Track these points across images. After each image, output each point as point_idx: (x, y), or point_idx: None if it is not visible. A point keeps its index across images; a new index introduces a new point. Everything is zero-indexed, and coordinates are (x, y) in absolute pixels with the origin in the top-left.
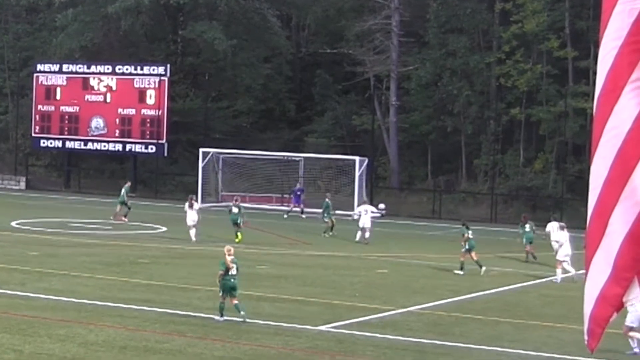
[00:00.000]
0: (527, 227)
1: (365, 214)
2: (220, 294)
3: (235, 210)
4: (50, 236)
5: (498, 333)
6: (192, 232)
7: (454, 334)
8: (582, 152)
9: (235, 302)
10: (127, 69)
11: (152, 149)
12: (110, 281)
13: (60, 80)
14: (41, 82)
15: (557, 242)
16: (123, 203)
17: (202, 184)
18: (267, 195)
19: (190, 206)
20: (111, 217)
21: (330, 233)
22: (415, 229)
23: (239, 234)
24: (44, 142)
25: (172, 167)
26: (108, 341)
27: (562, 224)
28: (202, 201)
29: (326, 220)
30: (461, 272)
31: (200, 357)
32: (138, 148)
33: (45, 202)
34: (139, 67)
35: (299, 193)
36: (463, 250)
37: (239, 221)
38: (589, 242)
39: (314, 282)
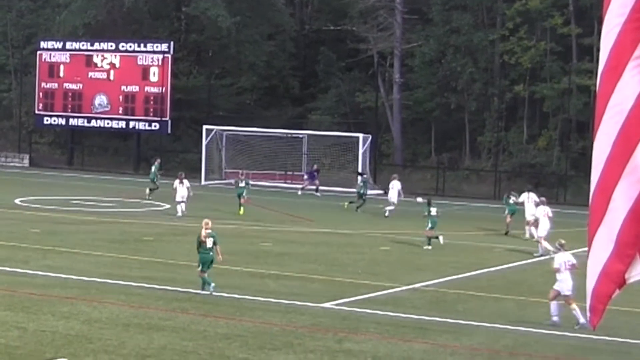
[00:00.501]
0: (512, 200)
1: (392, 189)
2: (199, 268)
3: (242, 184)
4: (54, 214)
5: (501, 310)
6: (180, 207)
7: (457, 311)
8: (586, 129)
9: (204, 275)
10: (130, 46)
11: (155, 126)
12: (113, 258)
13: (64, 57)
14: (44, 59)
15: (533, 215)
16: (153, 181)
17: (206, 161)
18: (271, 172)
19: (181, 182)
20: (148, 198)
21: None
22: (418, 206)
23: (242, 208)
24: (47, 120)
25: (176, 145)
26: (111, 318)
27: (543, 198)
28: (206, 178)
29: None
30: (429, 247)
31: (203, 334)
32: (141, 125)
33: (48, 179)
34: (142, 44)
35: (315, 174)
36: (427, 228)
37: (244, 194)
38: (592, 219)
39: (317, 260)
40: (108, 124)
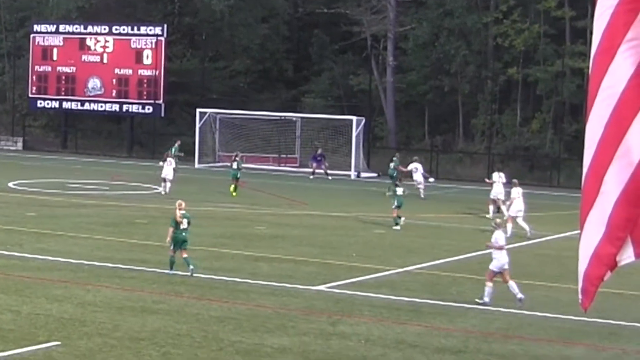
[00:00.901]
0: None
1: (415, 171)
2: (171, 247)
3: (234, 165)
4: (48, 197)
5: (494, 293)
6: (164, 185)
7: (451, 293)
8: (579, 112)
9: (185, 255)
10: (124, 29)
11: (149, 109)
12: (107, 242)
13: (57, 40)
14: (38, 42)
15: (501, 194)
16: (235, 177)
17: (199, 145)
18: (264, 155)
19: (165, 161)
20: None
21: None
22: (412, 189)
23: (235, 188)
24: (40, 103)
25: (169, 128)
26: (105, 301)
27: (515, 180)
28: (199, 161)
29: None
30: (397, 228)
31: (197, 318)
32: (135, 108)
33: (42, 162)
34: (135, 28)
35: (319, 158)
36: (393, 207)
37: (238, 176)
38: (584, 202)
39: (311, 243)
40: (101, 107)
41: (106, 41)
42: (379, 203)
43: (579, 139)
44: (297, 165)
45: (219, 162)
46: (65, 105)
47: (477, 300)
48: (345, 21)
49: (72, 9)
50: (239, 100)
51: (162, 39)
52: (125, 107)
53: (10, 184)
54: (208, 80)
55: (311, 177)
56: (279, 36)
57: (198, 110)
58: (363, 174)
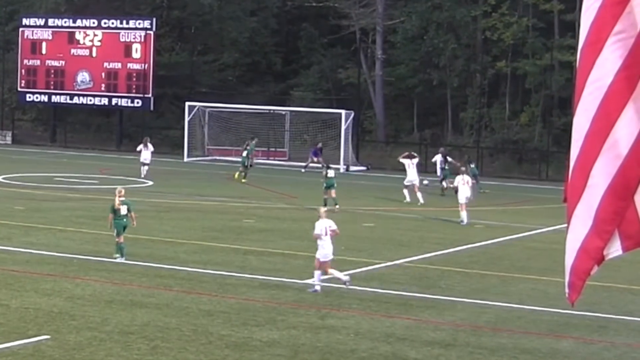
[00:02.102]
0: (472, 165)
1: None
2: (115, 234)
3: (244, 153)
4: (37, 191)
5: (483, 286)
6: (144, 169)
7: (440, 287)
8: (568, 105)
9: (121, 241)
10: (112, 23)
11: (138, 103)
12: (96, 235)
13: (46, 34)
14: (27, 36)
15: (413, 180)
16: (244, 165)
17: (188, 138)
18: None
19: (145, 146)
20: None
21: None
22: (401, 182)
23: (241, 175)
24: (29, 97)
25: (158, 121)
26: (94, 295)
27: (463, 168)
28: (189, 155)
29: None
30: (324, 208)
31: (186, 311)
32: (124, 102)
33: (31, 156)
34: (124, 21)
35: (318, 152)
36: (323, 188)
37: (246, 163)
38: (571, 195)
39: (300, 236)
40: (91, 100)
41: (95, 35)
42: (367, 197)
43: (567, 132)
44: (286, 158)
45: (207, 155)
46: (55, 99)
47: (309, 290)
48: (334, 14)
49: (61, 2)
50: (227, 93)
51: (151, 32)
52: (114, 101)
53: (0, 178)
54: (197, 74)
55: (303, 170)
56: (268, 29)
57: (187, 103)
58: (352, 168)
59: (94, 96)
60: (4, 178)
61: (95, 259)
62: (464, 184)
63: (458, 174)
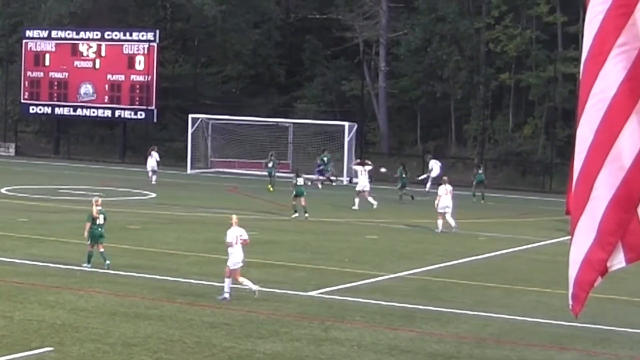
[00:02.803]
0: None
1: (361, 174)
2: (89, 242)
3: (270, 164)
4: (40, 202)
5: (486, 298)
6: (151, 177)
7: (443, 299)
8: (572, 117)
9: (101, 250)
10: (116, 35)
11: (141, 115)
12: None
13: (49, 46)
14: (30, 48)
15: (364, 186)
16: (270, 174)
17: (192, 150)
18: (257, 161)
19: (150, 155)
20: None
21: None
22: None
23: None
24: (33, 109)
25: (162, 133)
26: (98, 307)
27: (445, 177)
28: (192, 167)
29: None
30: (295, 215)
31: (190, 323)
32: (127, 114)
33: (34, 168)
34: (128, 33)
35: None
36: (292, 196)
37: (273, 173)
38: (574, 207)
39: (303, 248)
40: (94, 112)
41: (98, 47)
42: (370, 209)
43: (571, 144)
44: (289, 170)
45: (211, 167)
46: (58, 110)
47: (217, 298)
48: (338, 27)
49: (65, 14)
50: (231, 105)
51: (155, 44)
52: (117, 113)
53: (3, 190)
54: (200, 86)
55: (320, 186)
56: (271, 41)
57: (190, 115)
58: (355, 180)
59: (97, 108)
60: (7, 190)
61: (98, 270)
62: (446, 194)
63: (440, 184)
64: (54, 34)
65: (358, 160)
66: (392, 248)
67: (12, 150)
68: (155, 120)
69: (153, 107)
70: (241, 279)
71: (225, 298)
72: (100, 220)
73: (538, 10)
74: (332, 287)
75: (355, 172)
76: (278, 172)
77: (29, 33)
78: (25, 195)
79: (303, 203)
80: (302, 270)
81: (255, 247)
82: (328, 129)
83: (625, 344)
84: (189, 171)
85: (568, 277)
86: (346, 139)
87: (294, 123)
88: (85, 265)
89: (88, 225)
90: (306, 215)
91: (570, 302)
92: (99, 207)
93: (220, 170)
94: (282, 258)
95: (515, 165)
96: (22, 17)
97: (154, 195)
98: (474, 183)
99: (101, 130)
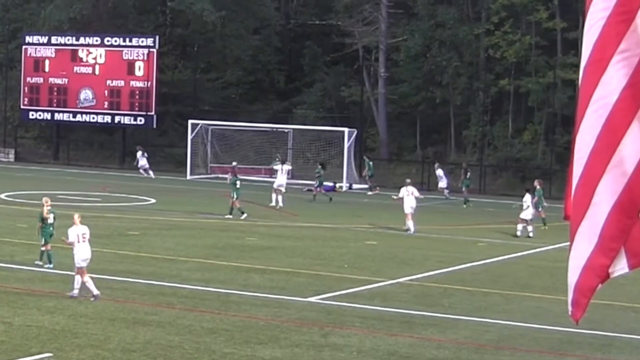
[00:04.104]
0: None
1: (281, 173)
2: (42, 242)
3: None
4: (39, 208)
5: (486, 304)
6: (149, 173)
7: (442, 305)
8: (571, 123)
9: (49, 249)
10: (115, 41)
11: (141, 120)
12: (99, 253)
13: (49, 52)
14: (30, 54)
15: (280, 185)
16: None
17: (191, 156)
18: (256, 167)
19: (142, 155)
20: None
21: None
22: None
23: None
24: (32, 114)
25: (161, 139)
26: (97, 313)
27: (408, 180)
28: (191, 173)
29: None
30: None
31: (189, 329)
32: (127, 120)
33: (34, 174)
34: (127, 39)
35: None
36: (234, 199)
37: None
38: (574, 213)
39: (302, 254)
40: (93, 118)
41: (98, 53)
42: (370, 214)
43: (570, 150)
44: (289, 176)
45: (210, 173)
46: (57, 116)
47: (67, 294)
48: (337, 33)
49: (64, 20)
50: (230, 111)
51: (154, 50)
52: (117, 119)
53: (2, 196)
54: (200, 92)
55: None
56: (271, 47)
57: (190, 121)
58: (355, 186)
59: (96, 114)
60: (6, 196)
61: (97, 276)
62: (408, 195)
63: (403, 186)
64: (53, 39)
65: (278, 158)
66: (391, 254)
67: (11, 156)
68: (154, 126)
69: (153, 113)
70: (86, 279)
71: (73, 295)
72: (51, 220)
73: (537, 16)
74: (331, 293)
75: (276, 170)
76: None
77: (28, 39)
78: (25, 200)
79: (237, 205)
80: (301, 276)
81: (255, 252)
82: (327, 135)
83: (624, 350)
84: (188, 177)
85: (567, 283)
86: (345, 145)
87: (294, 129)
88: (46, 265)
89: (40, 225)
90: (244, 215)
91: (571, 308)
92: (49, 207)
93: (220, 176)
94: (282, 264)
95: (515, 171)
96: (21, 23)
97: (153, 201)
98: (464, 189)
99: (101, 136)
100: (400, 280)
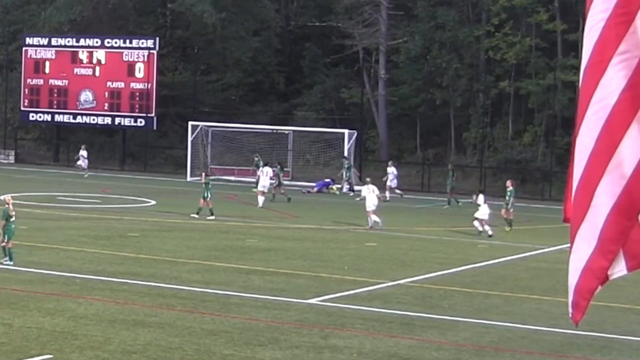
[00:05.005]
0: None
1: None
2: (5, 239)
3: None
4: (40, 210)
5: (486, 306)
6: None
7: (443, 306)
8: (571, 125)
9: (10, 246)
10: (116, 42)
11: (141, 122)
12: (99, 254)
13: (49, 53)
14: (30, 55)
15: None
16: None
17: (191, 158)
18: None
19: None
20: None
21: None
22: (404, 202)
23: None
24: (33, 116)
25: (161, 141)
26: (97, 315)
27: (367, 179)
28: (191, 174)
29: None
30: (196, 215)
31: (189, 331)
32: (127, 121)
33: (34, 175)
34: (127, 41)
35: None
36: (208, 199)
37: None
38: (574, 215)
39: (303, 255)
40: (94, 120)
41: (98, 54)
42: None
43: (570, 152)
44: (289, 178)
45: (210, 175)
46: (58, 118)
47: None
48: (337, 34)
49: (64, 21)
50: (230, 113)
51: (154, 51)
52: (117, 120)
53: (2, 197)
54: (200, 93)
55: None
56: (271, 49)
57: (190, 123)
58: (356, 188)
59: (97, 115)
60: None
61: (98, 278)
62: (369, 193)
63: (365, 184)
64: (53, 41)
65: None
66: (391, 256)
67: (11, 158)
68: (154, 127)
69: (153, 115)
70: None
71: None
72: (13, 218)
73: (538, 18)
74: (331, 295)
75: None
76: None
77: (28, 40)
78: (25, 202)
79: (209, 204)
80: (301, 278)
81: (255, 254)
82: (327, 137)
83: (624, 352)
84: (188, 179)
85: (568, 285)
86: (346, 147)
87: (294, 131)
88: (7, 261)
89: (3, 223)
90: (194, 215)
91: (571, 310)
92: (9, 205)
93: (220, 177)
94: (282, 265)
95: (515, 173)
96: (22, 24)
97: (153, 202)
98: (448, 189)
99: (101, 138)
100: (401, 281)
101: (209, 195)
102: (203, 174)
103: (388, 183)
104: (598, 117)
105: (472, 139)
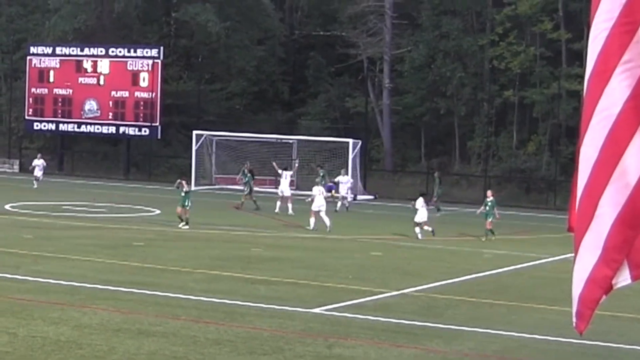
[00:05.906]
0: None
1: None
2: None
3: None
4: (44, 219)
5: (491, 315)
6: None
7: (447, 316)
8: (576, 134)
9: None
10: (120, 52)
11: (145, 131)
12: (104, 264)
13: (54, 62)
14: (34, 64)
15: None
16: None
17: (196, 167)
18: (261, 177)
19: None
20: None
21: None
22: (408, 211)
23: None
24: (37, 125)
25: (166, 150)
26: (102, 324)
27: (318, 180)
28: (196, 184)
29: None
30: (187, 227)
31: (194, 340)
32: (131, 131)
33: (38, 184)
34: (132, 50)
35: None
36: (187, 207)
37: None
38: (578, 225)
39: (308, 265)
40: (98, 129)
41: (103, 63)
42: (375, 226)
43: (574, 161)
44: (293, 187)
45: (215, 184)
46: (62, 127)
47: None
48: (341, 43)
49: (69, 30)
50: (235, 122)
51: (159, 61)
52: (121, 129)
53: (7, 207)
54: (204, 102)
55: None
56: (275, 58)
57: (194, 132)
58: (359, 197)
59: (101, 125)
60: (11, 206)
61: (102, 287)
62: (319, 194)
63: (315, 185)
64: (58, 50)
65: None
66: (396, 265)
67: (16, 167)
68: (159, 136)
69: (157, 124)
70: None
71: None
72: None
73: (542, 27)
74: (336, 304)
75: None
76: (276, 188)
77: (33, 49)
78: (30, 211)
79: (186, 213)
80: (306, 287)
81: (260, 264)
82: (332, 146)
83: None
84: (193, 187)
85: (572, 295)
86: (350, 156)
87: (298, 140)
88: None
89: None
90: (187, 225)
91: (575, 319)
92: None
93: (224, 186)
94: (287, 275)
95: (519, 182)
96: (26, 33)
97: (158, 212)
98: (435, 198)
99: (105, 147)
100: (406, 291)
101: (189, 204)
102: (183, 182)
103: (341, 192)
104: (602, 126)
105: (477, 148)
